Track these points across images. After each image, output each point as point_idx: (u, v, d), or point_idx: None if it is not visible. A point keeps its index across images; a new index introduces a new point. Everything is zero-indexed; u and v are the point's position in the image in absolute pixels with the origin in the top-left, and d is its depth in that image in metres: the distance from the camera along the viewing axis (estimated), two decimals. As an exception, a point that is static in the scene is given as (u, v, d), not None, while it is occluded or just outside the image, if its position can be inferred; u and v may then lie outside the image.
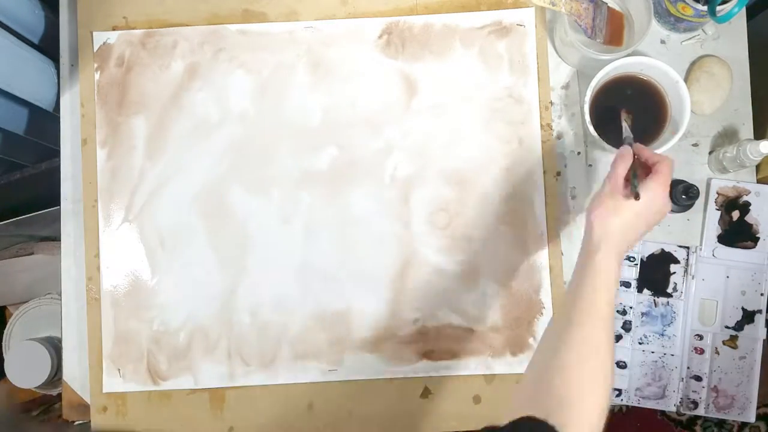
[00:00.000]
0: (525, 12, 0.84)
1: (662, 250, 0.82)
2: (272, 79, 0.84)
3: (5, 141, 0.92)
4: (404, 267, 0.81)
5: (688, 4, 0.77)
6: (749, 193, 0.82)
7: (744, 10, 0.83)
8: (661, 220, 0.66)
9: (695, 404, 0.81)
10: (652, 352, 0.81)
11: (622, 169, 0.65)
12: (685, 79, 0.83)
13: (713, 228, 0.82)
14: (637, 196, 0.63)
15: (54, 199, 0.86)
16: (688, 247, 0.82)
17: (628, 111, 0.75)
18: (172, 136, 0.83)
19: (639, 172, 0.66)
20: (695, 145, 0.84)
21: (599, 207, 0.63)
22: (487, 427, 0.51)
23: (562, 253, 0.81)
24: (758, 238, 0.82)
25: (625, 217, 0.63)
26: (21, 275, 1.25)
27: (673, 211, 0.82)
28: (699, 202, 0.82)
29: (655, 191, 0.64)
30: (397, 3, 0.85)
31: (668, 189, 0.65)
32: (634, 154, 0.67)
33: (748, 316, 0.82)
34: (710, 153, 0.84)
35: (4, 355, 1.21)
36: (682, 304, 0.82)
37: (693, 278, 0.82)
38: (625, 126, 0.73)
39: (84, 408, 0.83)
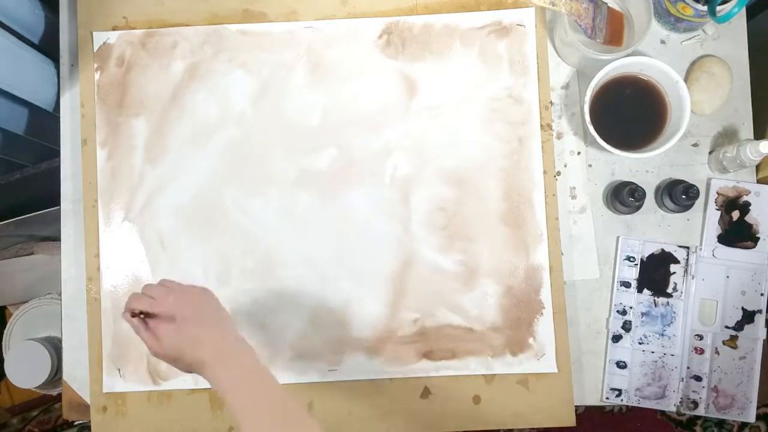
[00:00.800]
0: (525, 12, 0.84)
1: (662, 250, 0.82)
2: (272, 79, 0.84)
3: (5, 141, 0.92)
4: (404, 267, 0.81)
5: (688, 4, 0.77)
6: (749, 193, 0.82)
7: (744, 10, 0.83)
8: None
9: (695, 404, 0.81)
10: (652, 352, 0.81)
11: (135, 322, 0.64)
12: (685, 79, 0.83)
13: (713, 228, 0.82)
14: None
15: (54, 199, 0.86)
16: (688, 247, 0.82)
17: None
18: (172, 136, 0.83)
19: None
20: (695, 145, 0.84)
21: (167, 351, 0.62)
22: None
23: (562, 253, 0.81)
24: (758, 238, 0.82)
25: (179, 339, 0.62)
26: (21, 275, 1.26)
27: (673, 211, 0.82)
28: (699, 202, 0.82)
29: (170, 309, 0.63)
30: (397, 3, 0.85)
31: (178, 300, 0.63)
32: None
33: (748, 316, 0.82)
34: (710, 153, 0.84)
35: (4, 355, 1.21)
36: (682, 304, 0.82)
37: (693, 278, 0.82)
38: None
39: (84, 408, 0.83)
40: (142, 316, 0.64)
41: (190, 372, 0.63)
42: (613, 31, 0.81)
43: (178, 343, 0.62)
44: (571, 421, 0.80)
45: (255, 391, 0.60)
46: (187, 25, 0.85)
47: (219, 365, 0.61)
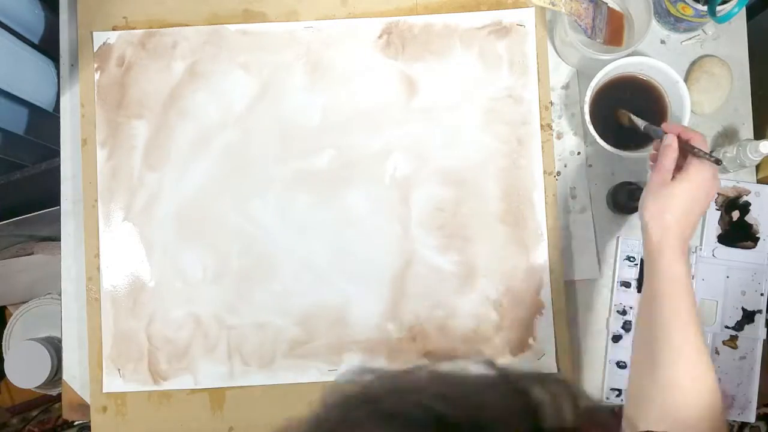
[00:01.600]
0: (525, 12, 0.84)
1: (662, 250, 0.82)
2: (272, 79, 0.84)
3: (5, 141, 0.92)
4: (404, 267, 0.81)
5: (688, 4, 0.77)
6: (749, 193, 0.82)
7: (744, 10, 0.83)
8: (712, 199, 0.64)
9: (695, 404, 0.81)
10: (652, 352, 0.81)
11: (670, 162, 0.63)
12: (685, 79, 0.83)
13: (713, 228, 0.82)
14: (718, 162, 0.62)
15: (54, 199, 0.86)
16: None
17: (623, 110, 0.75)
18: (171, 136, 0.83)
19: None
20: (695, 145, 0.84)
21: (652, 205, 0.62)
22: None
23: (562, 253, 0.81)
24: (758, 238, 0.82)
25: (679, 207, 0.61)
26: (21, 275, 1.26)
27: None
28: (699, 202, 0.82)
29: (703, 172, 0.62)
30: (397, 3, 0.85)
31: (712, 177, 0.63)
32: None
33: (748, 316, 0.82)
34: (710, 153, 0.84)
35: (4, 355, 1.21)
36: (682, 304, 0.82)
37: (693, 278, 0.82)
38: (637, 120, 0.73)
39: (84, 408, 0.83)
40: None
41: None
42: (613, 31, 0.81)
43: (659, 207, 0.62)
44: (571, 421, 0.80)
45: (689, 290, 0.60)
46: (187, 25, 0.85)
47: (674, 253, 0.60)
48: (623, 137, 0.78)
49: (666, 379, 0.56)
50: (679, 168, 0.64)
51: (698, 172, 0.62)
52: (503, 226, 0.81)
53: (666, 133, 0.66)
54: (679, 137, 0.65)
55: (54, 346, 1.18)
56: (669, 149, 0.64)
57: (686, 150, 0.64)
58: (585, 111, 0.77)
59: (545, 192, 0.82)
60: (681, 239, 0.61)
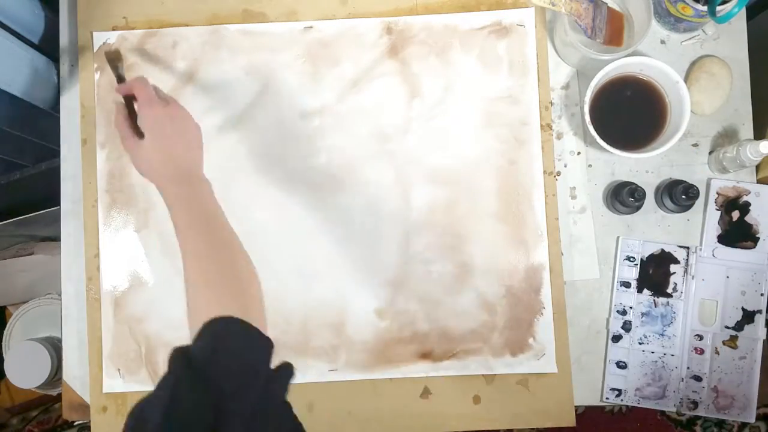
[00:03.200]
0: (525, 12, 0.84)
1: (662, 250, 0.82)
2: (272, 80, 0.84)
3: (5, 141, 0.92)
4: (403, 267, 0.81)
5: (688, 4, 0.77)
6: (749, 193, 0.82)
7: (744, 10, 0.83)
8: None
9: (695, 404, 0.81)
10: (652, 353, 0.81)
11: (121, 117, 0.68)
12: (685, 80, 0.83)
13: (713, 228, 0.82)
14: (141, 135, 0.66)
15: (54, 199, 0.86)
16: (688, 247, 0.82)
17: None
18: (172, 136, 0.83)
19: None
20: (695, 145, 0.84)
21: (135, 161, 0.67)
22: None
23: (562, 253, 0.81)
24: (758, 238, 0.82)
25: (153, 156, 0.65)
26: (21, 275, 1.26)
27: (673, 211, 0.82)
28: (699, 203, 0.82)
29: (152, 127, 0.66)
30: (397, 3, 0.85)
31: (161, 118, 0.67)
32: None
33: (748, 316, 0.82)
34: (710, 153, 0.84)
35: (4, 355, 1.21)
36: (682, 304, 0.82)
37: (693, 278, 0.82)
38: None
39: (84, 408, 0.83)
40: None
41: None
42: (613, 31, 0.81)
43: (147, 156, 0.66)
44: (571, 421, 0.80)
45: (203, 220, 0.64)
46: (187, 25, 0.85)
47: (174, 186, 0.65)
48: (623, 137, 0.78)
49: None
50: None
51: (152, 122, 0.66)
52: (503, 226, 0.81)
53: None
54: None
55: (54, 346, 1.18)
56: (116, 124, 0.69)
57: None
58: (585, 111, 0.77)
59: (545, 192, 0.82)
60: (175, 182, 0.65)
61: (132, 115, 0.69)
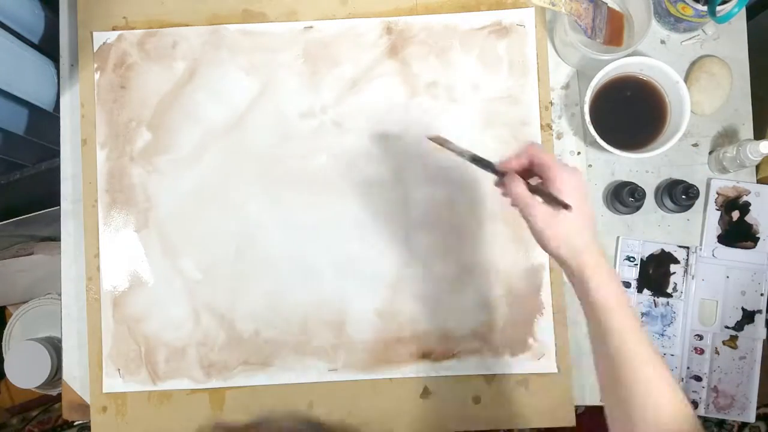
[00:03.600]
0: (525, 12, 0.84)
1: (662, 250, 0.82)
2: (272, 80, 0.84)
3: (5, 141, 0.92)
4: (403, 267, 0.81)
5: (688, 4, 0.77)
6: (749, 193, 0.82)
7: (744, 10, 0.83)
8: (590, 194, 0.59)
9: (695, 404, 0.81)
10: (652, 352, 0.81)
11: (522, 188, 0.58)
12: (685, 79, 0.83)
13: (713, 228, 0.82)
14: (566, 206, 0.56)
15: (54, 199, 0.86)
16: (688, 247, 0.82)
17: (432, 138, 0.63)
18: (171, 135, 0.83)
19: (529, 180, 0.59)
20: (695, 145, 0.84)
21: (553, 235, 0.57)
22: None
23: (562, 253, 0.81)
24: (758, 238, 0.82)
25: (576, 225, 0.56)
26: (21, 275, 1.26)
27: (673, 211, 0.82)
28: (699, 202, 0.82)
29: (573, 181, 0.57)
30: (397, 3, 0.85)
31: (580, 183, 0.58)
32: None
33: (748, 316, 0.82)
34: (710, 153, 0.84)
35: (4, 355, 1.21)
36: (682, 304, 0.82)
37: (693, 278, 0.82)
38: (456, 147, 0.62)
39: (84, 408, 0.83)
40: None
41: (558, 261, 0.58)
42: (613, 31, 0.81)
43: (559, 238, 0.57)
44: (571, 421, 0.80)
45: (630, 310, 0.56)
46: (187, 25, 0.85)
47: (600, 274, 0.56)
48: (623, 137, 0.78)
49: (643, 409, 0.54)
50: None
51: (571, 187, 0.57)
52: (503, 226, 0.81)
53: (503, 174, 0.60)
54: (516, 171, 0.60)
55: (54, 346, 1.18)
56: (511, 180, 0.58)
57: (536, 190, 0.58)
58: (585, 111, 0.77)
59: (545, 192, 0.82)
60: (596, 254, 0.57)
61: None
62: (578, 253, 0.56)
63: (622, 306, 0.55)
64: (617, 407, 0.57)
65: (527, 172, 0.60)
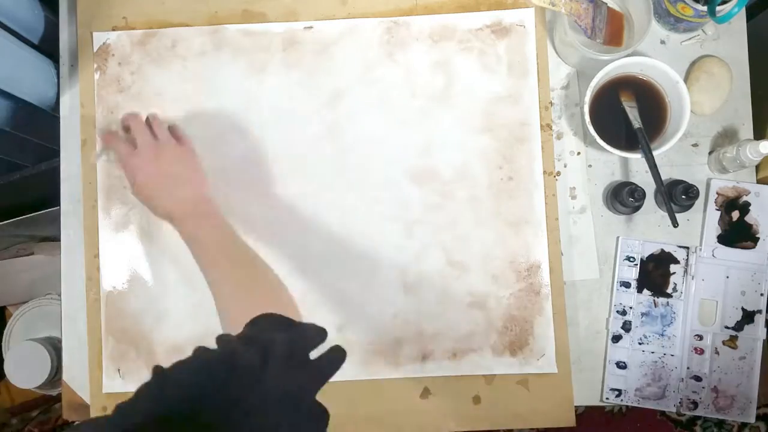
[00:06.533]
0: (525, 12, 0.84)
1: (662, 250, 0.82)
2: (272, 79, 0.84)
3: (5, 141, 0.92)
4: (403, 267, 0.81)
5: (687, 4, 0.77)
6: (749, 193, 0.82)
7: (744, 10, 0.83)
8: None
9: (695, 404, 0.81)
10: (652, 353, 0.81)
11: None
12: (685, 80, 0.83)
13: (713, 228, 0.82)
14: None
15: (54, 199, 0.86)
16: (687, 248, 0.82)
17: (629, 94, 0.73)
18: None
19: None
20: (695, 145, 0.84)
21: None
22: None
23: (561, 253, 0.81)
24: (758, 239, 0.82)
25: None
26: (21, 275, 1.26)
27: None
28: (699, 203, 0.82)
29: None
30: (396, 3, 0.85)
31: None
32: None
33: (748, 316, 0.82)
34: (710, 153, 0.84)
35: (4, 355, 1.21)
36: (682, 305, 0.82)
37: (693, 278, 0.82)
38: (632, 113, 0.73)
39: (84, 408, 0.83)
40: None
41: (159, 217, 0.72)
42: (612, 31, 0.81)
43: (151, 191, 0.71)
44: (571, 421, 0.80)
45: (222, 245, 0.66)
46: (187, 25, 0.85)
47: (187, 221, 0.68)
48: (623, 137, 0.78)
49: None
50: None
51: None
52: (503, 226, 0.81)
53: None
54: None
55: (54, 346, 1.18)
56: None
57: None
58: (585, 111, 0.77)
59: (545, 192, 0.82)
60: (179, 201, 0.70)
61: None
62: (166, 212, 0.71)
63: (215, 253, 0.66)
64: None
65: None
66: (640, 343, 0.81)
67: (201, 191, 0.73)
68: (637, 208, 0.81)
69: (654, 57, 0.78)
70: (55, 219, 0.86)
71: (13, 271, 1.25)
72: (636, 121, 0.73)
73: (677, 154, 0.84)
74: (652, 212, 0.83)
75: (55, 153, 0.86)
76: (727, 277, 0.82)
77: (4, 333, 1.23)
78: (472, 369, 0.80)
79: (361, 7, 0.85)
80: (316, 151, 0.83)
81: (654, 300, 0.82)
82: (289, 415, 0.45)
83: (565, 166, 0.84)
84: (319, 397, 0.48)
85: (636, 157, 0.81)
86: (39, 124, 0.92)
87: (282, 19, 0.85)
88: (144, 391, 0.43)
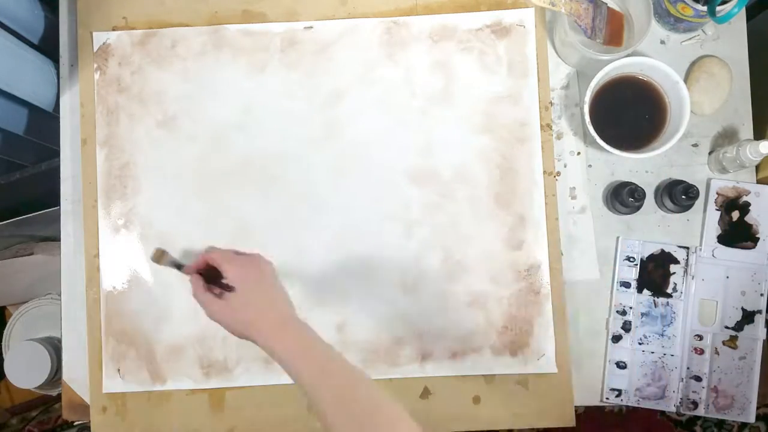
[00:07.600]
0: (525, 12, 0.84)
1: (662, 250, 0.82)
2: (272, 79, 0.84)
3: (5, 141, 0.92)
4: (403, 267, 0.81)
5: (687, 4, 0.77)
6: (749, 193, 0.82)
7: (744, 10, 0.83)
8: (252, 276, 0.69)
9: (695, 404, 0.81)
10: (652, 353, 0.81)
11: (197, 287, 0.69)
12: (685, 80, 0.83)
13: (713, 228, 0.82)
14: (228, 288, 0.67)
15: (54, 199, 0.86)
16: (687, 248, 0.82)
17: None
18: (171, 135, 0.83)
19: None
20: (695, 145, 0.84)
21: (222, 320, 0.66)
22: None
23: (561, 253, 0.81)
24: (758, 239, 0.82)
25: (237, 303, 0.66)
26: (21, 275, 1.26)
27: (672, 211, 0.82)
28: (699, 203, 0.82)
29: (235, 279, 0.67)
30: (396, 3, 0.85)
31: (248, 270, 0.68)
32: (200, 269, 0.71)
33: (748, 317, 0.82)
34: (710, 153, 0.84)
35: (4, 355, 1.21)
36: (682, 305, 0.82)
37: (693, 278, 0.82)
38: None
39: (84, 408, 0.83)
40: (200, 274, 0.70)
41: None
42: (612, 31, 0.81)
43: (230, 320, 0.66)
44: (571, 421, 0.80)
45: (321, 361, 0.62)
46: (187, 25, 0.85)
47: (274, 343, 0.63)
48: (623, 137, 0.78)
49: None
50: None
51: (235, 275, 0.67)
52: (503, 226, 0.81)
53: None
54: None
55: (54, 346, 1.18)
56: (194, 295, 0.69)
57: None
58: (585, 111, 0.77)
59: (545, 192, 0.82)
60: (277, 321, 0.65)
61: (211, 281, 0.70)
62: (249, 325, 0.64)
63: (318, 374, 0.60)
64: None
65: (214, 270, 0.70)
66: (640, 343, 0.82)
67: (286, 301, 0.69)
68: (637, 208, 0.81)
69: (654, 57, 0.78)
70: (55, 219, 0.86)
71: (13, 271, 1.25)
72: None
73: (677, 154, 0.84)
74: (652, 212, 0.83)
75: (55, 153, 0.86)
76: (727, 277, 0.82)
77: (4, 333, 1.23)
78: (472, 369, 0.80)
79: (361, 7, 0.85)
80: (316, 151, 0.83)
81: (654, 300, 0.82)
82: None
83: (565, 166, 0.84)
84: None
85: (636, 157, 0.81)
86: (39, 124, 0.92)
87: (282, 19, 0.85)
88: None
